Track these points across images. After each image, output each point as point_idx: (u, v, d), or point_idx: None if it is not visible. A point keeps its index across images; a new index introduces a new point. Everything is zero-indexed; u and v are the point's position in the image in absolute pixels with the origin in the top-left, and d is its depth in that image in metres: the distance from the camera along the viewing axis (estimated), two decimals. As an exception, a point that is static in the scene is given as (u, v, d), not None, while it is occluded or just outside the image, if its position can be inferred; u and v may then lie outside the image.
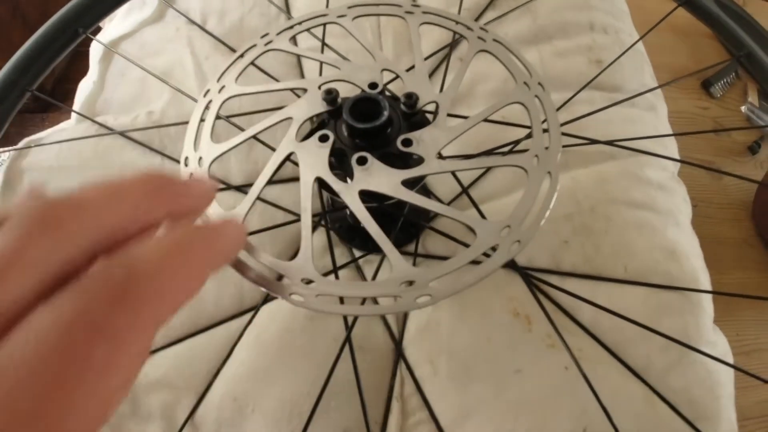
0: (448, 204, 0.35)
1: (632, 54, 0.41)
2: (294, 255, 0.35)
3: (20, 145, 0.44)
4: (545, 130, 0.27)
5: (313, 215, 0.30)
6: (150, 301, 0.13)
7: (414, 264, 0.33)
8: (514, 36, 0.41)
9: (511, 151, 0.35)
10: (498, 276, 0.31)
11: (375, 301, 0.29)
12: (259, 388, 0.29)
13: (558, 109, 0.38)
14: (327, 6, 0.41)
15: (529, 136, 0.27)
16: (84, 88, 0.46)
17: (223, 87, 0.30)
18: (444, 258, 0.34)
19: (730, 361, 0.33)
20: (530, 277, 0.32)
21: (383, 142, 0.27)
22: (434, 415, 0.28)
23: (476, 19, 0.43)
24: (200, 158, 0.28)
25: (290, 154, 0.27)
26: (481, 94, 0.40)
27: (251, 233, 0.26)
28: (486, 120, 0.28)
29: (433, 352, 0.30)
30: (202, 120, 0.30)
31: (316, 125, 0.30)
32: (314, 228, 0.36)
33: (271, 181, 0.38)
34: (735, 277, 0.37)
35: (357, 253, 0.35)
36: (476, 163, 0.27)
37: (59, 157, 0.40)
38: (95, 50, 0.48)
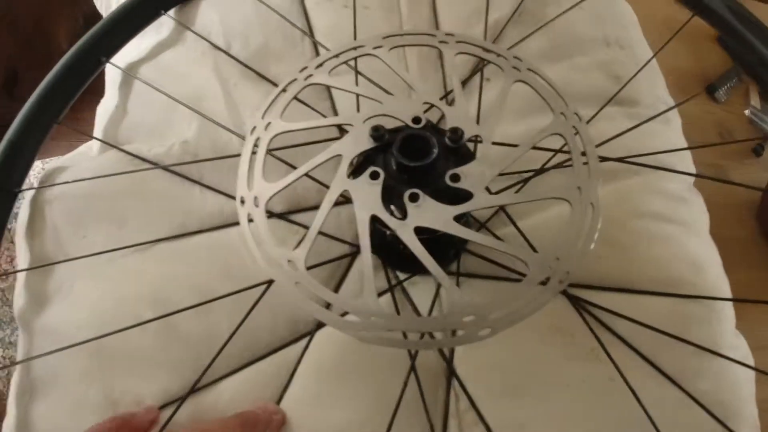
0: (486, 222, 0.37)
1: (646, 67, 0.43)
2: (339, 281, 0.37)
3: (43, 175, 0.44)
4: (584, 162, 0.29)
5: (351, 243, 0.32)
6: None
7: (458, 284, 0.35)
8: (535, 54, 0.42)
9: (541, 171, 0.37)
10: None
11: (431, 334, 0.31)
12: (322, 413, 0.31)
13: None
14: (354, 34, 0.42)
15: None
16: (103, 113, 0.46)
17: (269, 123, 0.31)
18: (484, 277, 0.36)
19: (751, 362, 0.36)
20: (570, 294, 0.34)
21: (432, 177, 0.29)
22: (490, 429, 0.30)
23: (495, 39, 0.44)
24: (255, 197, 0.29)
25: (345, 193, 0.29)
26: (509, 112, 0.41)
27: (310, 267, 0.27)
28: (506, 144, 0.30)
29: (484, 369, 0.32)
30: (253, 152, 0.30)
31: (361, 160, 0.31)
32: (354, 256, 0.37)
33: (305, 209, 0.40)
34: (741, 277, 0.39)
35: (400, 276, 0.36)
36: (523, 197, 0.28)
37: (90, 185, 0.40)
38: (112, 75, 0.48)
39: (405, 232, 0.27)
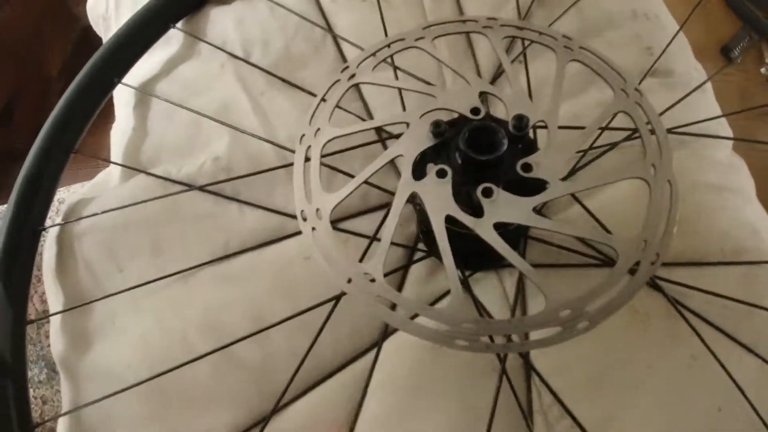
0: (541, 207, 0.36)
1: (676, 37, 0.42)
2: (399, 286, 0.35)
3: (67, 209, 0.42)
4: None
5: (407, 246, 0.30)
6: None
7: (520, 280, 0.34)
8: (567, 33, 0.41)
9: (608, 150, 0.36)
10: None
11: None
12: (405, 428, 0.29)
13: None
14: (384, 30, 0.40)
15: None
16: (120, 136, 0.44)
17: (318, 130, 0.30)
18: (552, 266, 0.34)
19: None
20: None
21: (502, 170, 0.27)
22: (579, 422, 0.29)
23: (523, 19, 0.42)
24: (317, 210, 0.28)
25: (412, 194, 0.27)
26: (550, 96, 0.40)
27: (387, 274, 0.26)
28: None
29: (563, 361, 0.31)
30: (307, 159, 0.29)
31: (417, 160, 0.30)
32: (413, 256, 0.36)
33: (351, 216, 0.38)
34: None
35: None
36: (597, 180, 0.27)
37: (119, 214, 0.39)
38: (123, 96, 0.46)
39: (484, 229, 0.26)
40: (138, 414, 0.33)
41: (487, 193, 0.26)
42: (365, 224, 0.36)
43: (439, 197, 0.27)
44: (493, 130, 0.27)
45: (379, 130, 0.39)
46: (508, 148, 0.28)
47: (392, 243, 0.36)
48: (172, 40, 0.45)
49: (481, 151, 0.27)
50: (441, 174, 0.27)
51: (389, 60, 0.33)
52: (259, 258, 0.36)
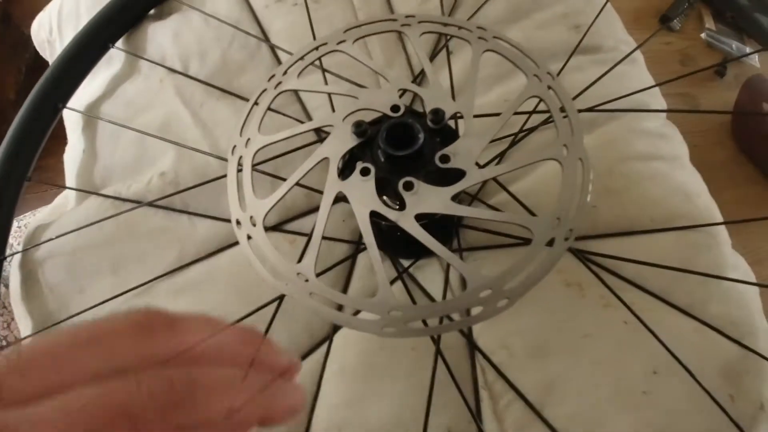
0: (477, 194, 0.37)
1: (603, 12, 0.43)
2: (347, 281, 0.37)
3: (26, 236, 0.43)
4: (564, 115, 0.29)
5: (351, 241, 0.32)
6: None
7: (461, 259, 0.35)
8: (495, 19, 0.42)
9: (523, 136, 0.37)
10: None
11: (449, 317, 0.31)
12: (358, 414, 0.31)
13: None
14: (312, 33, 0.41)
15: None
16: (72, 160, 0.45)
17: (248, 140, 0.31)
18: (485, 248, 0.36)
19: (752, 278, 0.37)
20: (573, 248, 0.35)
21: (421, 163, 0.29)
22: (521, 393, 0.31)
23: (451, 12, 0.43)
24: (251, 217, 0.29)
25: (338, 194, 0.28)
26: (479, 82, 0.41)
27: (320, 273, 0.27)
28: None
29: (504, 336, 0.32)
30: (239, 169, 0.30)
31: (347, 159, 0.31)
32: (356, 253, 0.37)
33: (297, 217, 0.39)
34: (731, 195, 0.41)
35: (404, 262, 0.36)
36: (513, 164, 0.29)
37: (76, 237, 0.40)
38: (72, 119, 0.47)
39: (406, 222, 0.27)
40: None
41: (408, 186, 0.28)
42: (312, 223, 0.37)
43: (363, 194, 0.28)
44: (409, 125, 0.28)
45: (318, 130, 0.40)
46: (427, 142, 0.29)
47: (336, 239, 0.37)
48: (114, 59, 0.46)
49: (400, 146, 0.28)
50: (365, 172, 0.28)
51: (318, 63, 0.35)
52: (213, 266, 0.37)
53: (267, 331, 0.31)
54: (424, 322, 0.28)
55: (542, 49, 0.42)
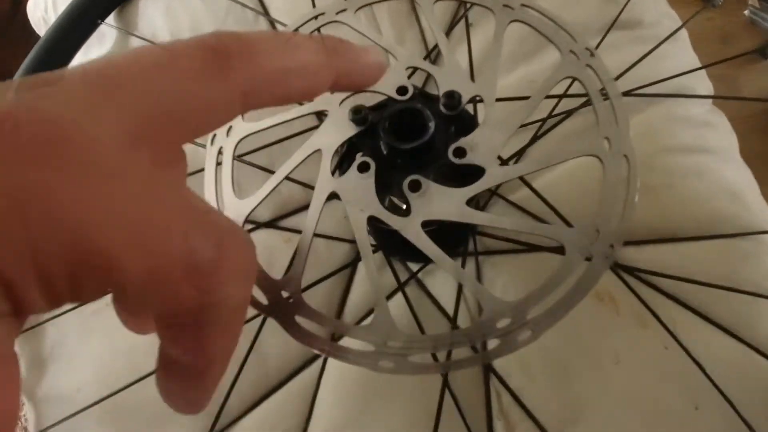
0: (497, 188, 0.30)
1: (643, -20, 0.35)
2: (346, 290, 0.31)
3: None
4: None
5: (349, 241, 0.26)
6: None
7: (477, 268, 0.29)
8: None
9: (555, 124, 0.30)
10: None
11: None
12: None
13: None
14: (313, 2, 0.35)
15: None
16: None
17: (230, 128, 0.25)
18: (502, 252, 0.30)
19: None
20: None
21: (432, 157, 0.22)
22: (540, 424, 0.25)
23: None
24: (229, 219, 0.23)
25: (331, 194, 0.22)
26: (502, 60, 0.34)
27: (305, 289, 0.22)
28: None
29: (523, 358, 0.26)
30: (218, 163, 0.24)
31: (345, 149, 0.25)
32: (358, 258, 0.31)
33: (296, 211, 0.33)
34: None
35: (413, 267, 0.30)
36: (543, 162, 0.22)
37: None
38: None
39: (410, 231, 0.21)
40: (97, 436, 0.30)
41: (415, 186, 0.21)
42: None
43: (361, 195, 0.22)
44: (417, 112, 0.22)
45: (320, 114, 0.34)
46: (439, 131, 0.23)
47: (338, 239, 0.31)
48: (107, 36, 0.40)
49: (406, 137, 0.22)
50: (363, 168, 0.22)
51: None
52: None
53: (249, 351, 0.25)
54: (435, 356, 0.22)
55: (572, 23, 0.34)
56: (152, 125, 0.12)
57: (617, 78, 0.31)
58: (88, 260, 0.10)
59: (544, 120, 0.30)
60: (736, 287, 0.27)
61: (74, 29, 0.39)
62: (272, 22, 0.37)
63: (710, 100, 0.36)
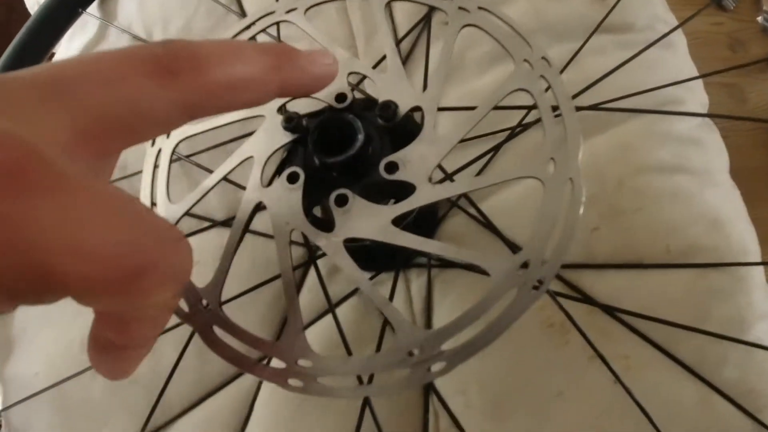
0: (457, 200, 0.29)
1: (640, -20, 0.33)
2: (299, 284, 0.30)
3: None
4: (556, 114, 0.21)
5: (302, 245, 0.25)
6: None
7: (429, 277, 0.28)
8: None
9: (510, 136, 0.28)
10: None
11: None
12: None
13: (565, 66, 0.31)
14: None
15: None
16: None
17: (169, 129, 0.24)
18: (454, 266, 0.28)
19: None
20: (561, 278, 0.26)
21: (365, 169, 0.21)
22: (476, 452, 0.24)
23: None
24: (158, 224, 0.22)
25: (258, 204, 0.21)
26: (472, 62, 0.32)
27: (227, 301, 0.21)
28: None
29: (463, 381, 0.25)
30: (156, 166, 0.24)
31: (287, 154, 0.24)
32: (307, 264, 0.30)
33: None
34: None
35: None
36: (481, 182, 0.20)
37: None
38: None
39: (331, 248, 0.20)
40: (50, 423, 0.31)
41: (341, 201, 0.20)
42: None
43: (287, 208, 0.21)
44: (347, 123, 0.21)
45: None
46: (372, 144, 0.21)
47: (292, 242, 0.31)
48: (89, 25, 0.40)
49: (335, 149, 0.21)
50: (292, 179, 0.21)
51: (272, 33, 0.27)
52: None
53: (181, 356, 0.25)
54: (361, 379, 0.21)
55: (555, 23, 0.32)
56: (93, 132, 0.12)
57: (590, 86, 0.28)
58: (33, 272, 0.11)
59: (495, 132, 0.28)
60: (702, 325, 0.25)
61: (56, 18, 0.38)
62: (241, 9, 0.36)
63: (703, 111, 0.33)
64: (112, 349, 0.14)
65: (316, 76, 0.17)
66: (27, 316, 0.34)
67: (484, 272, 0.26)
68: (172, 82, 0.13)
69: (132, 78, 0.12)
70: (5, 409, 0.32)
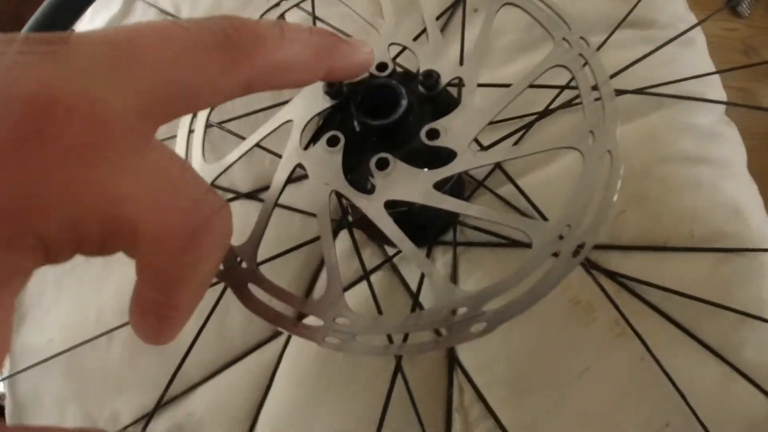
0: (484, 180, 0.29)
1: (663, -21, 0.33)
2: (317, 270, 0.30)
3: None
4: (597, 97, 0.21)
5: (332, 219, 0.25)
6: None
7: (454, 258, 0.28)
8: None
9: (544, 114, 0.29)
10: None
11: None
12: (305, 424, 0.25)
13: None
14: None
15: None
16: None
17: (206, 93, 0.24)
18: (479, 245, 0.29)
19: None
20: (588, 259, 0.27)
21: (405, 136, 0.21)
22: (502, 424, 0.24)
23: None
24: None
25: (297, 165, 0.22)
26: (500, 49, 0.33)
27: (263, 261, 0.21)
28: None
29: (490, 356, 0.25)
30: (191, 131, 0.24)
31: (323, 122, 0.24)
32: (336, 233, 0.30)
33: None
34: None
35: (390, 251, 0.29)
36: (521, 150, 0.21)
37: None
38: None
39: (372, 209, 0.20)
40: (61, 391, 0.31)
41: (382, 164, 0.20)
42: (292, 192, 0.30)
43: (327, 170, 0.21)
44: (391, 89, 0.21)
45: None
46: (414, 111, 0.21)
47: (302, 212, 0.31)
48: (113, 2, 0.40)
49: (379, 114, 0.21)
50: (332, 142, 0.21)
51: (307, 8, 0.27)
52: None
53: (207, 319, 0.25)
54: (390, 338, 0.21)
55: (580, 17, 0.32)
56: (162, 99, 0.12)
57: (616, 74, 0.29)
58: (115, 226, 0.12)
59: (527, 115, 0.29)
60: (726, 305, 0.25)
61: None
62: None
63: (722, 111, 0.33)
64: (155, 312, 0.14)
65: (358, 63, 0.18)
66: (40, 286, 0.33)
67: (518, 244, 0.26)
68: (238, 58, 0.13)
69: (202, 50, 0.13)
70: (13, 375, 0.31)
